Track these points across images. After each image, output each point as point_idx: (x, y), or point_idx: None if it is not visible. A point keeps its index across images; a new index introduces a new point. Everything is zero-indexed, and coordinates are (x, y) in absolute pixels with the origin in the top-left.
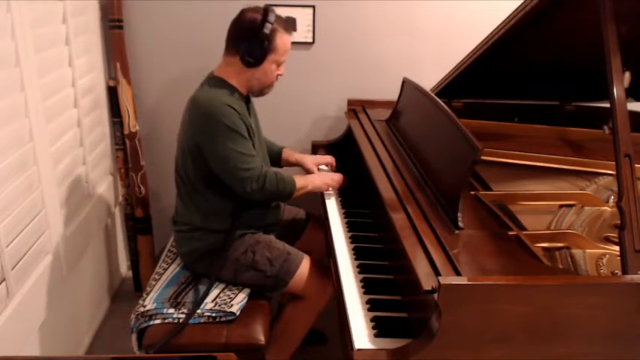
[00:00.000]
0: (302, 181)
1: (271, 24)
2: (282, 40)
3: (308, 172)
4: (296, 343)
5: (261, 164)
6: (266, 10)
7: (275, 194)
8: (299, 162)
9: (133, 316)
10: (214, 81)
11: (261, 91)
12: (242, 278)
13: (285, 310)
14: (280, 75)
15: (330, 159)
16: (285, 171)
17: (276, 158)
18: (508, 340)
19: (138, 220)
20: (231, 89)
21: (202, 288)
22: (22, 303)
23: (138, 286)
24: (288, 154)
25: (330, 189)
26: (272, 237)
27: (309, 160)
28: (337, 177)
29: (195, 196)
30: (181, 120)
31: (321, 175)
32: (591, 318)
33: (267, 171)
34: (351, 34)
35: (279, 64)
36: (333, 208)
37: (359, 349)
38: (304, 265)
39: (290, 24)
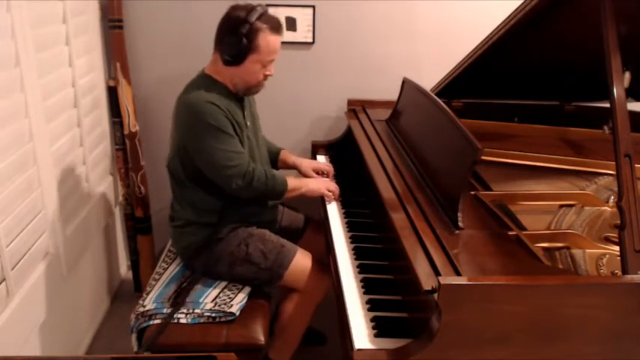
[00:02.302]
0: (296, 183)
1: (250, 23)
2: (266, 40)
3: (304, 176)
4: (297, 337)
5: (249, 161)
6: (252, 8)
7: (264, 192)
8: (295, 165)
9: (132, 316)
10: (202, 79)
11: (247, 90)
12: (237, 271)
13: (282, 305)
14: (269, 75)
15: (327, 167)
16: (287, 173)
17: (273, 159)
18: (508, 340)
19: (138, 220)
20: (219, 86)
21: (202, 288)
22: (22, 303)
23: (138, 286)
24: (285, 155)
25: (326, 198)
26: (266, 230)
27: (306, 164)
28: (334, 187)
29: (186, 192)
30: (172, 118)
31: (318, 180)
32: (591, 318)
33: (255, 168)
34: (351, 34)
35: (264, 65)
36: (333, 208)
37: (359, 349)
38: (298, 258)
39: (280, 24)
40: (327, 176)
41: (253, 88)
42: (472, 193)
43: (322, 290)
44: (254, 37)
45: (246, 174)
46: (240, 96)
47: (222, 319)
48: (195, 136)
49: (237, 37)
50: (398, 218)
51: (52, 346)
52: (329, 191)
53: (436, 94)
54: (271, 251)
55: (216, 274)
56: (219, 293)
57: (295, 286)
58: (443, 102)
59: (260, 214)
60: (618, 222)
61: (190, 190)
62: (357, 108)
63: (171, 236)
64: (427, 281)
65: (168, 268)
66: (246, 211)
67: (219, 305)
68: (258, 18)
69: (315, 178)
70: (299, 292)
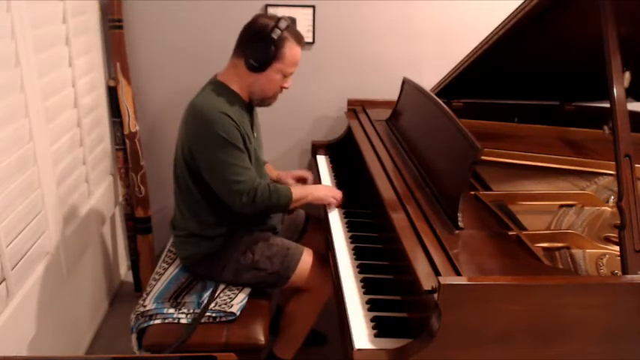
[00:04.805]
0: (301, 192)
1: (281, 30)
2: (292, 50)
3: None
4: (303, 334)
5: (255, 177)
6: (280, 18)
7: (268, 207)
8: (279, 179)
9: (132, 316)
10: (215, 86)
11: (263, 101)
12: (243, 278)
13: (289, 303)
14: (286, 88)
15: (306, 173)
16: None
17: None
18: (508, 340)
19: (138, 220)
20: (232, 95)
21: (203, 288)
22: (22, 303)
23: (138, 286)
24: (269, 169)
25: (330, 204)
26: (269, 234)
27: (284, 175)
28: (338, 194)
29: (192, 204)
30: (180, 123)
31: (324, 187)
32: (591, 318)
33: (260, 184)
34: (351, 34)
35: (285, 75)
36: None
37: (359, 349)
38: (305, 259)
39: (303, 37)
40: (307, 181)
41: (268, 100)
42: (472, 193)
43: (330, 288)
44: (281, 46)
45: (250, 190)
46: (252, 106)
47: (223, 319)
48: (205, 145)
49: (265, 43)
50: (398, 218)
51: (52, 346)
52: (334, 198)
53: (436, 94)
54: (277, 255)
55: (221, 281)
56: (220, 293)
57: (303, 287)
58: (443, 102)
59: (263, 223)
60: (618, 222)
61: (197, 202)
62: (357, 108)
63: (173, 242)
64: (427, 281)
65: (168, 268)
66: (250, 221)
67: (220, 305)
68: (286, 28)
69: (320, 186)
70: (306, 291)
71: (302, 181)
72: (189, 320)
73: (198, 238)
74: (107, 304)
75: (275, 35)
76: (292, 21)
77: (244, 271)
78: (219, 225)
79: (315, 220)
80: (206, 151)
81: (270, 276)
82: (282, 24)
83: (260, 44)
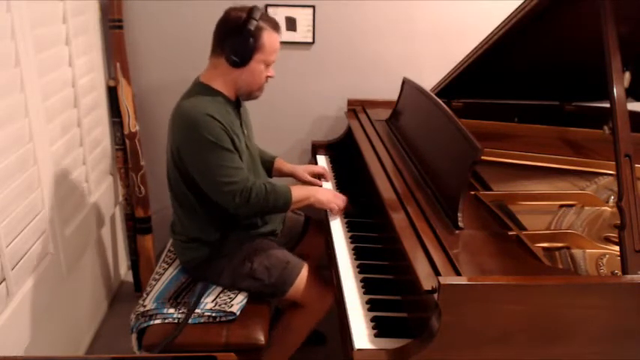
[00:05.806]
0: (302, 193)
1: (256, 21)
2: (270, 38)
3: (302, 183)
4: (294, 348)
5: (247, 177)
6: (251, 9)
7: (265, 208)
8: (291, 173)
9: (132, 316)
10: (199, 88)
11: (250, 94)
12: (240, 286)
13: (284, 315)
14: (270, 77)
15: (322, 169)
16: (284, 181)
17: (267, 168)
18: (508, 340)
19: (138, 220)
20: (216, 95)
21: (202, 289)
22: (22, 303)
23: (138, 286)
24: (280, 164)
25: (334, 211)
26: (271, 243)
27: (301, 170)
28: (342, 202)
29: (188, 209)
30: (168, 127)
31: (327, 191)
32: (591, 318)
33: (254, 183)
34: (351, 34)
35: (267, 65)
36: None
37: (359, 349)
38: (303, 274)
39: (278, 23)
40: (324, 177)
41: (255, 92)
42: (472, 193)
43: (326, 306)
44: (259, 36)
45: (243, 191)
46: (239, 103)
47: (223, 319)
48: (192, 149)
49: (242, 36)
50: (398, 218)
51: (52, 346)
52: (337, 205)
53: (436, 94)
54: (275, 267)
55: (219, 285)
56: (220, 293)
57: (299, 301)
58: (443, 102)
59: (263, 225)
60: (618, 222)
61: (192, 205)
62: (357, 108)
63: (172, 245)
64: (427, 281)
65: (168, 268)
66: (249, 224)
67: (220, 305)
68: (260, 17)
69: (324, 189)
70: (302, 306)
71: (318, 177)
72: (189, 320)
73: (197, 243)
74: (107, 304)
75: (251, 26)
76: (291, 20)
77: (241, 279)
78: (217, 229)
79: (314, 223)
80: (194, 155)
81: (267, 287)
82: (256, 14)
83: (238, 38)
